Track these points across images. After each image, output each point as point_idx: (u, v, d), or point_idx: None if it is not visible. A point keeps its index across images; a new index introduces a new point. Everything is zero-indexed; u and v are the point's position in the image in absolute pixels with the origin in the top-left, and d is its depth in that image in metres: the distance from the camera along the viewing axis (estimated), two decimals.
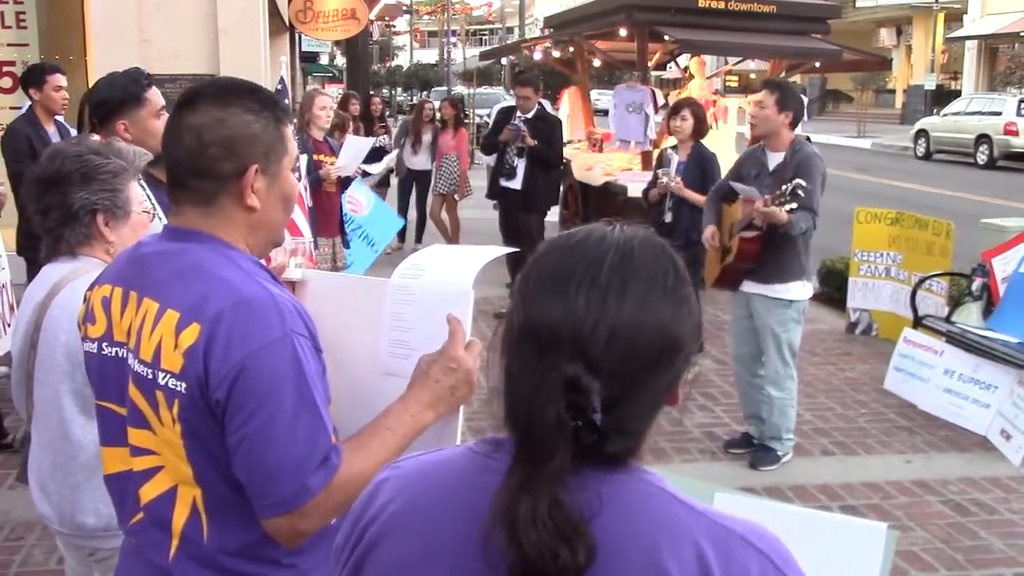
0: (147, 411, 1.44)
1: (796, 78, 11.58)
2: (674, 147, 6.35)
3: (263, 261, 1.55)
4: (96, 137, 2.62)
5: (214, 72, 7.26)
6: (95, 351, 1.54)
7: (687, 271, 1.02)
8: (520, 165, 7.17)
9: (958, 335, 5.66)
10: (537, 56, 11.33)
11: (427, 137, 9.92)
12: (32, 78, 5.42)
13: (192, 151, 1.44)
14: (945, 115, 22.99)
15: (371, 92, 12.84)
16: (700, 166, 6.08)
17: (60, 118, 5.49)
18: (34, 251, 3.66)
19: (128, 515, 1.52)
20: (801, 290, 4.60)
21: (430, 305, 1.53)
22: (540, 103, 7.50)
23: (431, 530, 0.99)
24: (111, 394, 1.52)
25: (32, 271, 3.96)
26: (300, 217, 5.06)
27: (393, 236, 7.47)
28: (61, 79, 5.39)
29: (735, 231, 4.61)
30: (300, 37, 17.44)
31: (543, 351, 0.94)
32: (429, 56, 63.96)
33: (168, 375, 1.39)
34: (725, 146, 8.47)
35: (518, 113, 7.19)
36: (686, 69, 11.16)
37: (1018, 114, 20.29)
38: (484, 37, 71.78)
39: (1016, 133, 20.14)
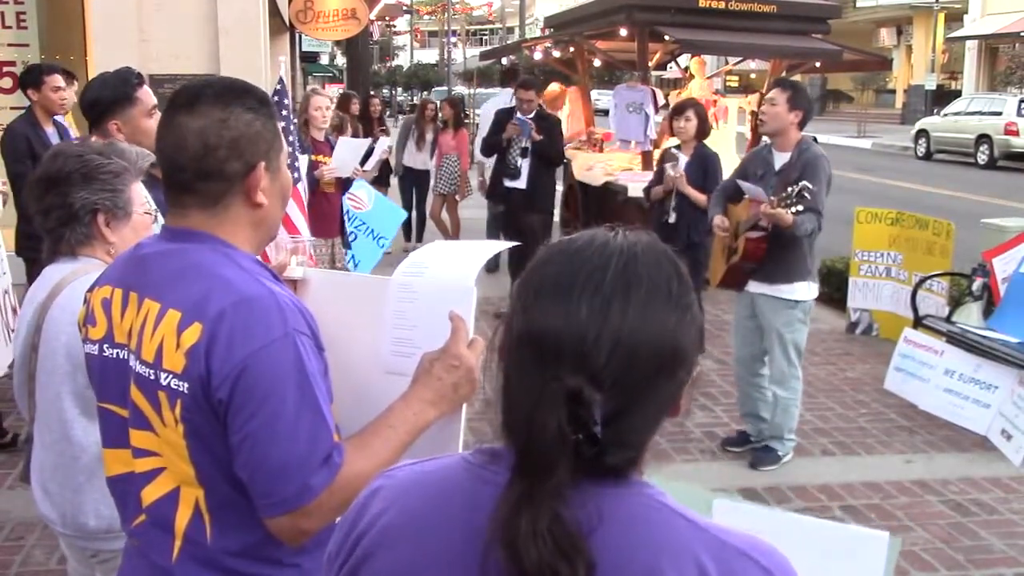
0: (149, 412, 1.44)
1: (796, 78, 11.56)
2: (678, 147, 6.37)
3: (261, 259, 1.55)
4: (94, 138, 2.63)
5: (214, 72, 7.26)
6: (96, 353, 1.54)
7: (690, 276, 1.00)
8: (524, 165, 7.19)
9: (958, 335, 5.66)
10: (537, 56, 11.31)
11: (429, 136, 9.96)
12: (30, 79, 5.40)
13: (197, 154, 1.43)
14: (945, 115, 22.99)
15: (371, 92, 12.84)
16: (703, 166, 6.10)
17: (60, 118, 5.49)
18: (33, 251, 3.67)
19: (131, 517, 1.52)
20: (807, 290, 4.60)
21: (432, 303, 1.53)
22: (539, 104, 7.53)
23: (425, 542, 0.98)
24: (113, 396, 1.52)
25: (32, 271, 3.98)
26: (299, 216, 5.06)
27: (397, 230, 7.48)
28: (59, 80, 5.38)
29: (741, 231, 4.61)
30: (300, 37, 17.45)
31: (544, 361, 0.92)
32: (429, 56, 63.98)
33: (170, 375, 1.39)
34: (725, 146, 8.47)
35: (518, 114, 7.21)
36: (686, 69, 11.15)
37: (1018, 114, 20.30)
38: (484, 37, 71.79)
39: (1016, 133, 20.14)
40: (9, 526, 3.94)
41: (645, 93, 8.50)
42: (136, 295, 1.48)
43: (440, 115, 10.20)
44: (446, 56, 51.17)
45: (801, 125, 4.56)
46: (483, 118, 9.34)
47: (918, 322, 6.11)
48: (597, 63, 10.90)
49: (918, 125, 23.98)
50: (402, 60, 62.89)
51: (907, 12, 35.58)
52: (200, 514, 1.43)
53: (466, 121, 10.97)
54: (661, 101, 8.93)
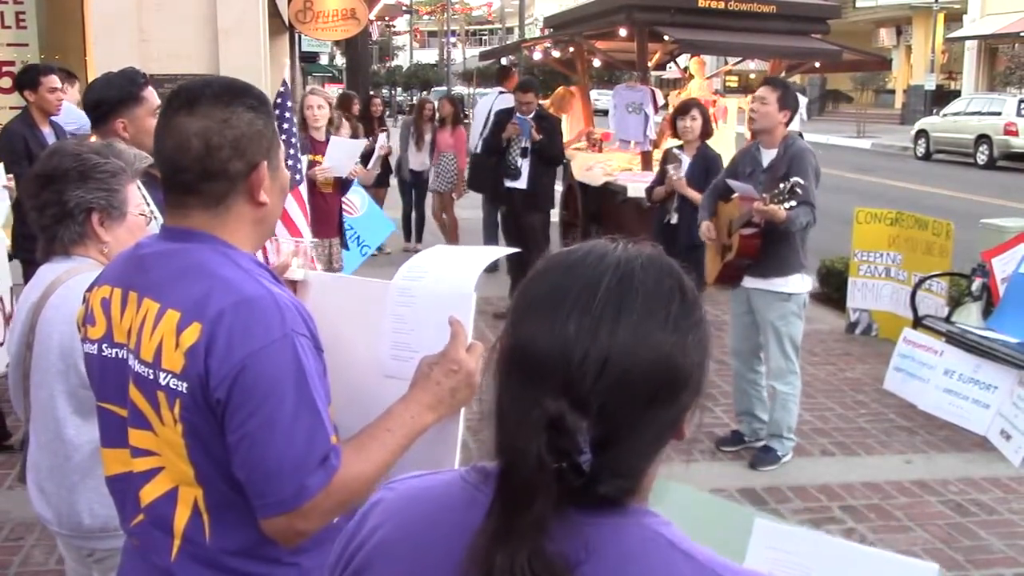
0: (148, 412, 1.43)
1: (796, 78, 11.58)
2: (680, 147, 6.37)
3: (259, 258, 1.55)
4: (94, 138, 2.62)
5: (214, 72, 7.26)
6: (95, 352, 1.54)
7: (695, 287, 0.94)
8: (524, 165, 7.20)
9: (958, 335, 5.66)
10: (537, 56, 11.31)
11: (428, 136, 9.94)
12: (26, 80, 5.39)
13: (200, 155, 1.43)
14: (945, 115, 23.00)
15: (371, 92, 12.83)
16: (706, 166, 6.09)
17: (56, 118, 5.49)
18: (29, 252, 3.67)
19: (129, 516, 1.52)
20: (800, 283, 4.65)
21: (432, 307, 1.53)
22: (539, 104, 7.56)
23: (420, 561, 0.96)
24: (112, 395, 1.52)
25: (28, 272, 3.98)
26: (300, 217, 5.05)
27: (383, 241, 7.57)
28: (56, 80, 5.37)
29: (735, 228, 4.66)
30: (300, 37, 17.43)
31: (528, 382, 0.86)
32: (429, 56, 64.04)
33: (169, 375, 1.39)
34: (725, 146, 8.46)
35: (518, 115, 7.21)
36: (686, 69, 11.15)
37: (1018, 114, 20.31)
38: (484, 37, 71.85)
39: (1016, 133, 20.15)
40: (8, 526, 3.94)
41: (645, 93, 8.50)
42: (135, 295, 1.47)
43: (438, 113, 10.19)
44: (445, 56, 51.19)
45: (787, 124, 4.69)
46: (476, 116, 9.34)
47: (918, 322, 6.11)
48: (597, 63, 10.91)
49: (917, 125, 23.99)
50: (402, 60, 62.91)
51: (906, 12, 35.60)
52: (199, 514, 1.43)
53: (465, 121, 10.96)
54: (660, 101, 8.92)
